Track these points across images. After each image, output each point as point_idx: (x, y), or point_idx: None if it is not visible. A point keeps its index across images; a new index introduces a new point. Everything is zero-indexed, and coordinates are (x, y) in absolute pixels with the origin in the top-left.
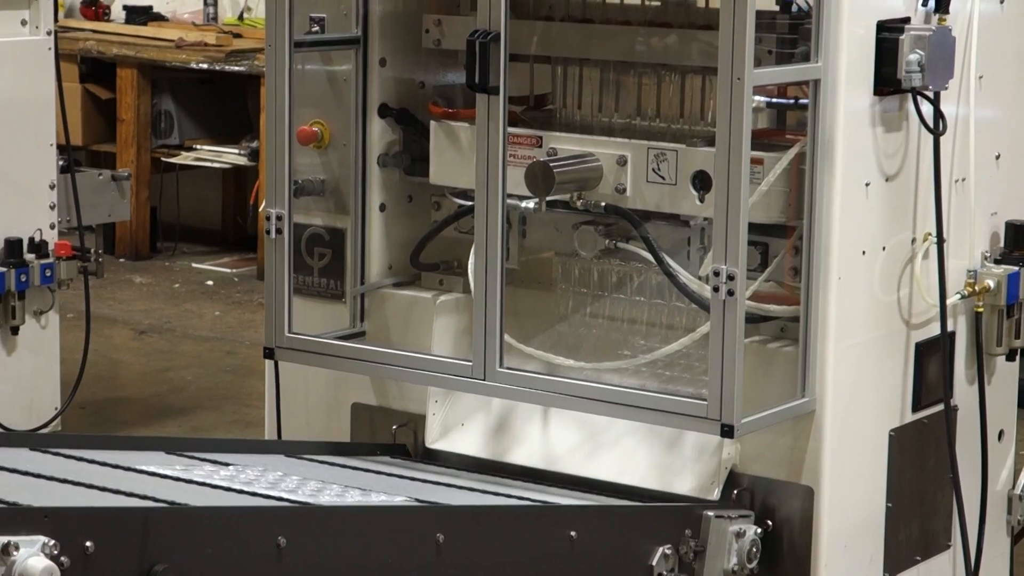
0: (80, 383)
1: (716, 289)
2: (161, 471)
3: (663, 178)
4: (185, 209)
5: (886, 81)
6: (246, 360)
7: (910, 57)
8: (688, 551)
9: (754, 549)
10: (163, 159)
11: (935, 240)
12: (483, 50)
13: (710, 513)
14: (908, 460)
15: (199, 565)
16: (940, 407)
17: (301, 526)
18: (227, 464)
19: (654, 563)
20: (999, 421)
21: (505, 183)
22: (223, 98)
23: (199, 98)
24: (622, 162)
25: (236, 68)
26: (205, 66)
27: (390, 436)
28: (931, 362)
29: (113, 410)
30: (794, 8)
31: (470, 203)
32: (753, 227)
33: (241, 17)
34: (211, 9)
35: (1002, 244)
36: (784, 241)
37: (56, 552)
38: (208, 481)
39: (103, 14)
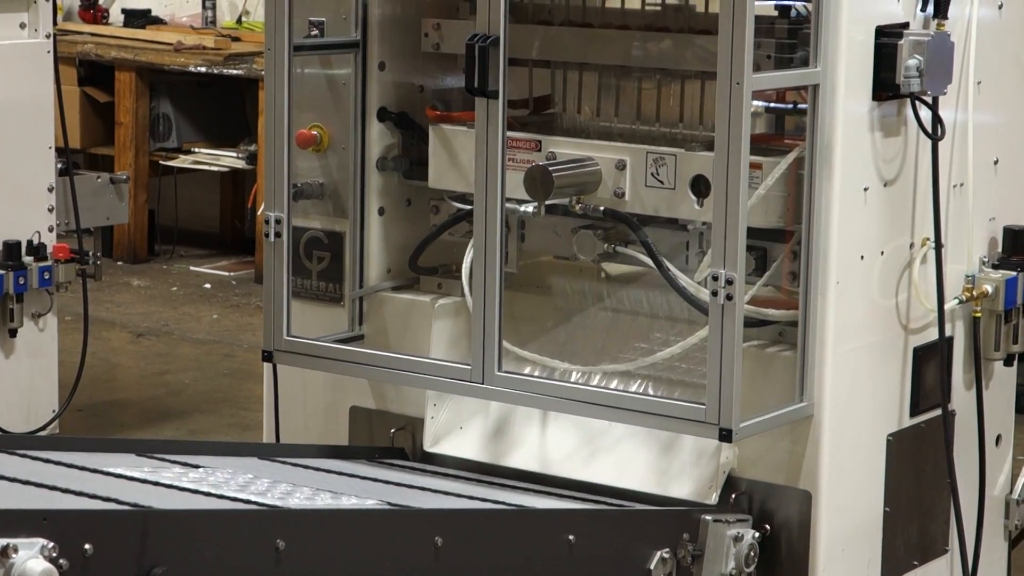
0: (78, 386)
1: (715, 293)
2: (128, 473)
3: (662, 182)
4: (183, 212)
5: (885, 86)
6: (244, 363)
7: (909, 62)
8: (686, 555)
9: (752, 553)
10: (161, 162)
11: (933, 245)
12: (482, 54)
13: (708, 517)
14: (906, 465)
15: (198, 568)
16: (938, 412)
17: (300, 529)
18: (197, 466)
19: (652, 567)
20: (997, 426)
21: (504, 187)
22: (221, 101)
23: (197, 101)
24: (621, 166)
25: (234, 71)
26: (203, 69)
27: (388, 439)
28: (929, 367)
29: (111, 413)
30: (793, 13)
31: (469, 207)
32: (752, 231)
33: (239, 20)
34: (209, 13)
35: (1000, 249)
36: (783, 246)
37: (55, 555)
38: (176, 483)
39: (101, 17)
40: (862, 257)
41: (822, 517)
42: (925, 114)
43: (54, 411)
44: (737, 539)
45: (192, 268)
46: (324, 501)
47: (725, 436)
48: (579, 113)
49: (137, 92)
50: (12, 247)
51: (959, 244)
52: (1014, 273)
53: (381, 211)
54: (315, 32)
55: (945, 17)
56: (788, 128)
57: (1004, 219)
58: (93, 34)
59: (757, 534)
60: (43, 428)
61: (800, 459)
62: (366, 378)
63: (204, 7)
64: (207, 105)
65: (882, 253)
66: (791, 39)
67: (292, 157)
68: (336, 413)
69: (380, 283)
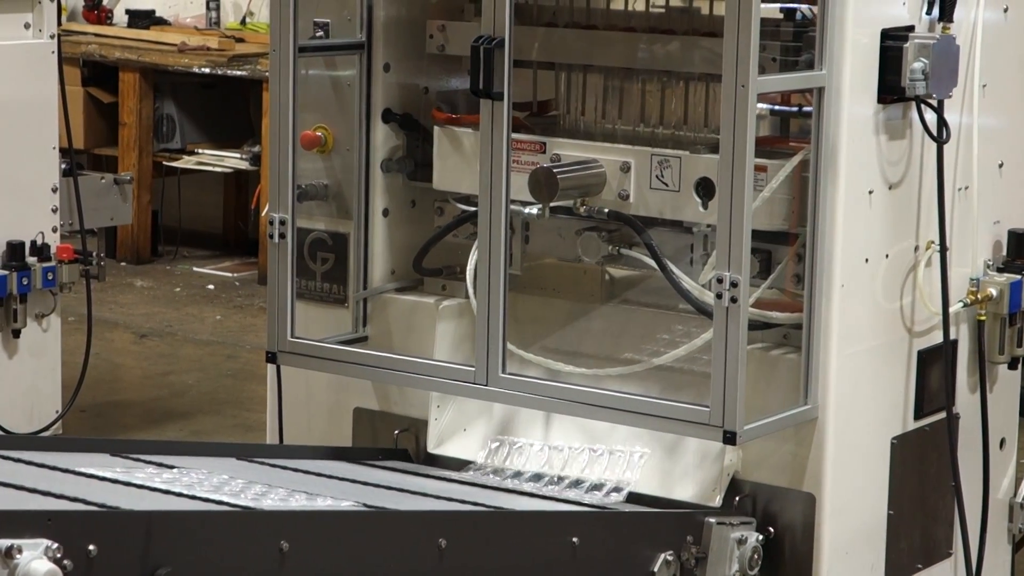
0: (81, 386)
1: (719, 296)
2: (100, 473)
3: (666, 185)
4: (187, 213)
5: (890, 89)
6: (247, 364)
7: (914, 65)
8: (690, 558)
9: (756, 556)
10: (165, 163)
11: (938, 248)
12: (487, 56)
13: (712, 520)
14: (910, 468)
15: (201, 569)
16: (942, 415)
17: (304, 530)
18: (172, 467)
19: (656, 569)
20: (1001, 429)
21: (509, 189)
22: (225, 102)
23: (201, 102)
24: (626, 168)
25: (238, 72)
26: (207, 70)
27: (392, 441)
28: (933, 370)
29: (114, 413)
30: (798, 16)
31: (473, 209)
32: (756, 234)
33: (243, 22)
34: (213, 13)
35: (1005, 252)
36: (787, 248)
37: (59, 555)
38: (147, 483)
39: (106, 18)
40: (867, 260)
41: (826, 520)
42: (930, 117)
43: (57, 412)
44: (741, 542)
45: (195, 269)
46: (299, 502)
47: (729, 439)
48: (584, 115)
49: (141, 93)
50: (16, 247)
51: (964, 247)
52: (1019, 276)
53: (385, 212)
54: (320, 33)
55: (950, 20)
56: (793, 131)
57: (1009, 222)
58: (97, 35)
59: (761, 537)
60: (46, 429)
61: (804, 462)
62: (370, 379)
63: (208, 8)
64: (211, 106)
65: (887, 256)
66: (796, 42)
67: (296, 158)
68: (340, 414)
69: (384, 284)
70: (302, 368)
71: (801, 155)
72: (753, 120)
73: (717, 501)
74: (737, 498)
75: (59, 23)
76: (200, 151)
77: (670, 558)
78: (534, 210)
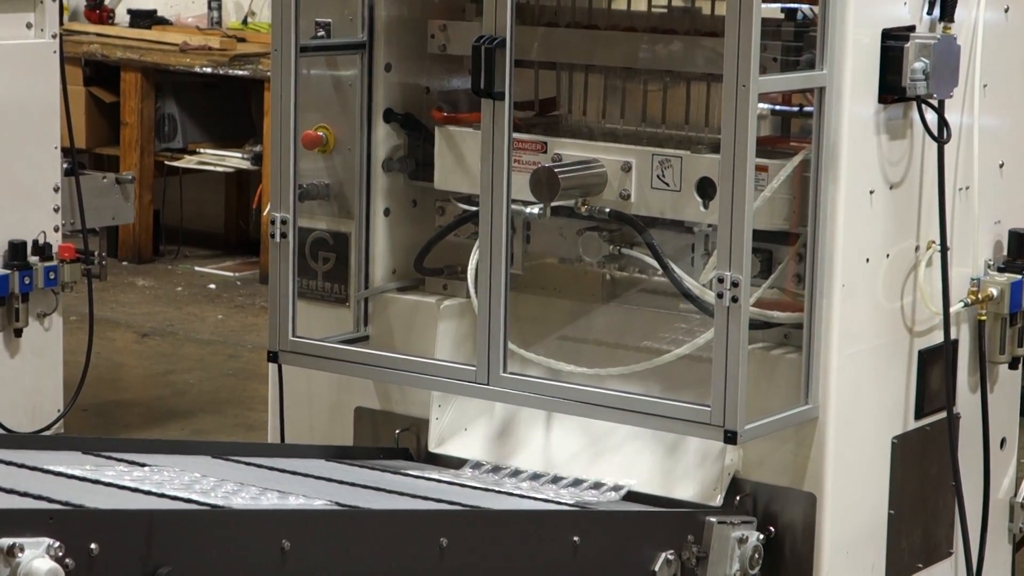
0: (83, 386)
1: (720, 295)
2: (68, 471)
3: (667, 184)
4: (188, 212)
5: (891, 89)
6: (248, 363)
7: (915, 65)
8: (691, 557)
9: (756, 555)
10: (166, 162)
11: (939, 248)
12: (488, 56)
13: (713, 519)
14: (910, 467)
15: (203, 568)
16: (943, 415)
17: (305, 529)
18: (143, 465)
19: (656, 569)
20: (1001, 429)
21: (510, 188)
22: (227, 102)
23: (203, 102)
24: (627, 168)
25: (240, 72)
26: (209, 70)
27: (393, 440)
28: (934, 370)
29: (115, 413)
30: (799, 16)
31: (474, 208)
32: (757, 234)
33: (245, 21)
34: (215, 13)
35: (1005, 252)
36: (788, 248)
37: (61, 554)
38: (116, 482)
39: (107, 18)
40: (867, 260)
41: (827, 519)
42: (931, 117)
43: (59, 411)
44: (741, 541)
45: (197, 268)
46: (270, 500)
47: (730, 438)
48: (585, 115)
49: (143, 92)
50: (18, 247)
51: (964, 247)
52: (1019, 276)
53: (387, 212)
54: (321, 33)
55: (951, 20)
56: (794, 131)
57: (1010, 222)
58: (99, 34)
59: (761, 536)
60: (48, 428)
61: (805, 461)
62: (371, 379)
63: (210, 8)
64: (212, 106)
65: (887, 256)
66: (797, 42)
67: (298, 158)
68: (341, 414)
69: (385, 284)
70: (303, 367)
71: (802, 155)
72: (754, 120)
73: (718, 500)
74: (738, 497)
75: (61, 23)
76: (202, 151)
77: (671, 557)
78: (535, 210)
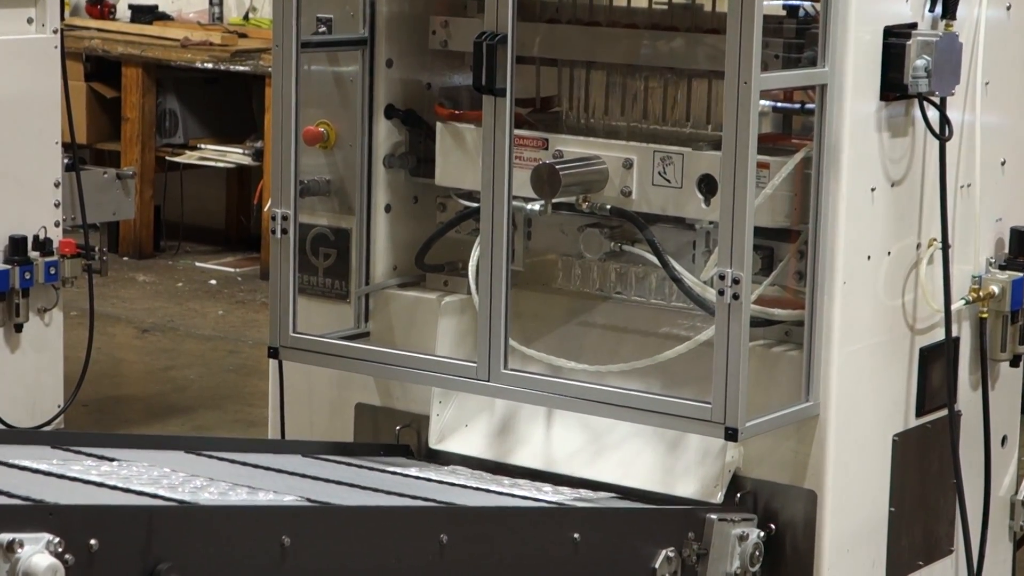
0: (83, 381)
1: (721, 292)
2: (34, 465)
3: (669, 181)
4: (189, 208)
5: (892, 86)
6: (249, 359)
7: (917, 63)
8: (691, 554)
9: (757, 552)
10: (167, 158)
11: (940, 245)
12: (490, 52)
13: (713, 516)
14: (911, 465)
15: (203, 563)
16: (944, 412)
17: (305, 525)
18: (112, 459)
19: (657, 565)
20: (1002, 427)
21: (511, 185)
22: (228, 98)
23: (204, 97)
24: (628, 165)
25: (241, 68)
26: (210, 65)
27: (394, 436)
28: (935, 367)
29: (116, 408)
30: (801, 13)
31: (475, 205)
32: (758, 231)
33: (246, 17)
34: (216, 9)
35: (1007, 250)
36: (789, 245)
37: (61, 550)
38: (82, 476)
39: (109, 13)
40: (869, 257)
41: (827, 517)
42: (933, 114)
43: (59, 406)
44: (742, 538)
45: (198, 264)
46: (239, 496)
47: (731, 435)
48: (586, 112)
49: (144, 88)
50: (18, 242)
51: (966, 245)
52: (1021, 274)
53: (388, 208)
54: (323, 29)
55: (953, 18)
56: (795, 128)
57: (1011, 220)
58: (100, 30)
59: (762, 533)
60: (48, 423)
61: (805, 459)
62: (372, 375)
63: (211, 3)
64: (214, 101)
65: (889, 253)
66: (799, 39)
67: (299, 154)
68: (341, 410)
69: (386, 280)
70: (304, 363)
71: (803, 152)
72: (755, 117)
73: (719, 498)
74: (738, 495)
75: (62, 18)
76: (203, 146)
77: (671, 554)
78: (536, 206)
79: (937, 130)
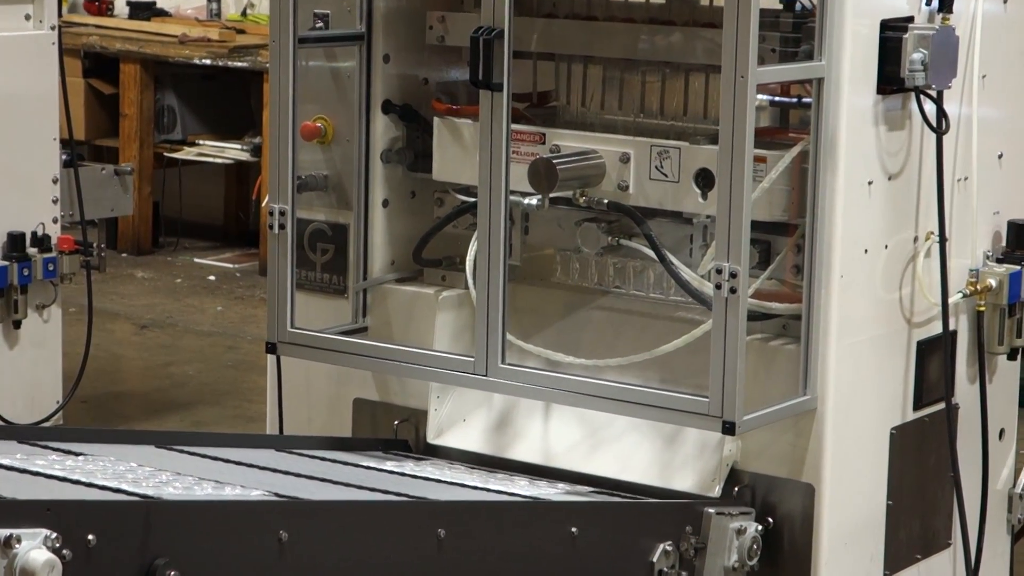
0: (82, 377)
1: (718, 286)
2: None
3: (666, 175)
4: (187, 204)
5: (889, 80)
6: (248, 355)
7: (913, 56)
8: (689, 548)
9: (755, 546)
10: (166, 154)
11: (937, 239)
12: (487, 47)
13: (711, 510)
14: (909, 458)
15: (201, 559)
16: (941, 406)
17: (303, 521)
18: (78, 454)
19: (655, 559)
20: (1000, 420)
21: (508, 180)
22: (226, 94)
23: (202, 93)
24: (625, 159)
25: (239, 64)
26: (208, 62)
27: (392, 431)
28: (932, 361)
29: (114, 404)
30: (798, 6)
31: (473, 199)
32: (755, 225)
33: (244, 13)
34: (214, 5)
35: (1004, 243)
36: (786, 239)
37: (58, 545)
38: (44, 471)
39: (106, 9)
40: (866, 251)
41: (825, 510)
42: (929, 108)
43: (58, 402)
44: (740, 532)
45: (196, 260)
46: (204, 491)
47: (728, 429)
48: (583, 106)
49: (142, 84)
50: (17, 238)
51: (963, 238)
52: (1018, 267)
53: (385, 203)
54: (320, 24)
55: (950, 11)
56: (792, 122)
57: (1008, 213)
58: (98, 26)
59: (760, 527)
60: (47, 419)
61: (803, 452)
62: (370, 370)
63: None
64: (212, 97)
65: (886, 247)
66: (796, 32)
67: (296, 149)
68: (340, 405)
69: (384, 275)
70: (302, 359)
71: (800, 146)
72: (752, 111)
73: (716, 491)
74: (736, 488)
75: (60, 14)
76: (201, 142)
77: (669, 548)
78: (534, 201)
79: (934, 123)
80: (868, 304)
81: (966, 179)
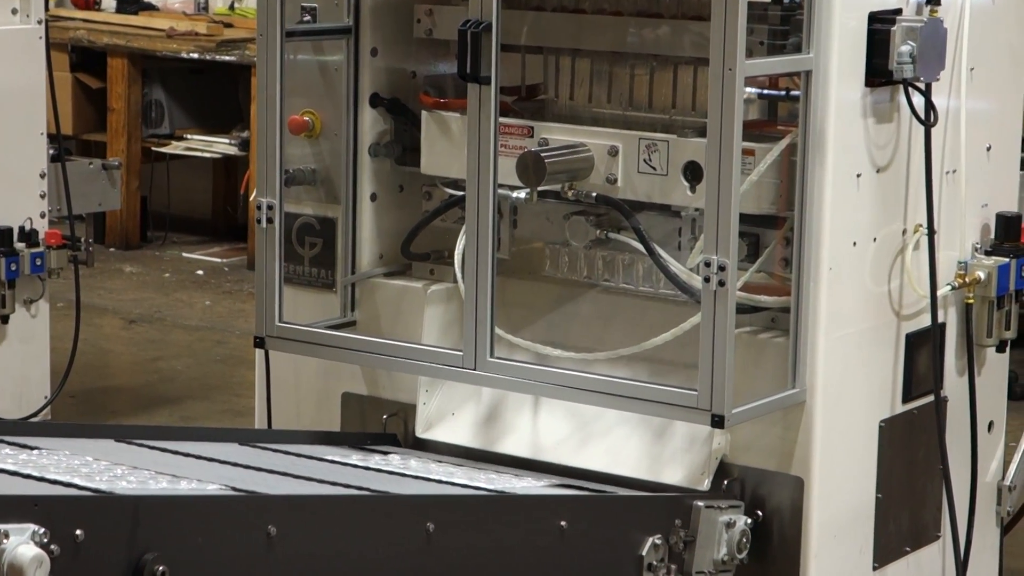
0: (70, 372)
1: (707, 280)
2: None
3: (654, 168)
4: (175, 199)
5: (877, 72)
6: (236, 350)
7: (902, 48)
8: (678, 541)
9: (744, 539)
10: (154, 148)
11: (926, 231)
12: (475, 40)
13: (700, 503)
14: (898, 451)
15: (189, 553)
16: (930, 398)
17: (291, 515)
18: (33, 448)
19: (644, 553)
20: (989, 412)
21: (496, 173)
22: (214, 88)
23: (190, 88)
24: (613, 152)
25: (227, 58)
26: (196, 56)
27: (380, 425)
28: (921, 353)
29: (103, 399)
30: None
31: (461, 193)
32: (744, 218)
33: (232, 7)
34: None
35: (992, 236)
36: (775, 232)
37: (46, 540)
38: None
39: (94, 3)
40: (854, 243)
41: (814, 503)
42: (918, 100)
43: (46, 397)
44: (729, 525)
45: (184, 255)
46: (158, 484)
47: (717, 422)
48: (571, 99)
49: (129, 78)
50: (4, 233)
51: (952, 230)
52: (1007, 259)
53: (373, 197)
54: (307, 18)
55: (938, 3)
56: (781, 114)
57: (997, 205)
58: (85, 20)
59: (749, 520)
60: (35, 415)
61: (792, 445)
62: (358, 364)
63: None
64: (200, 91)
65: (875, 239)
66: (784, 25)
67: (284, 143)
68: (328, 399)
69: (372, 269)
70: (290, 353)
71: (789, 139)
72: (740, 104)
73: (705, 485)
74: (725, 482)
75: (47, 8)
76: (189, 136)
77: (658, 541)
78: (522, 194)
79: (922, 116)
80: (857, 297)
81: (954, 172)
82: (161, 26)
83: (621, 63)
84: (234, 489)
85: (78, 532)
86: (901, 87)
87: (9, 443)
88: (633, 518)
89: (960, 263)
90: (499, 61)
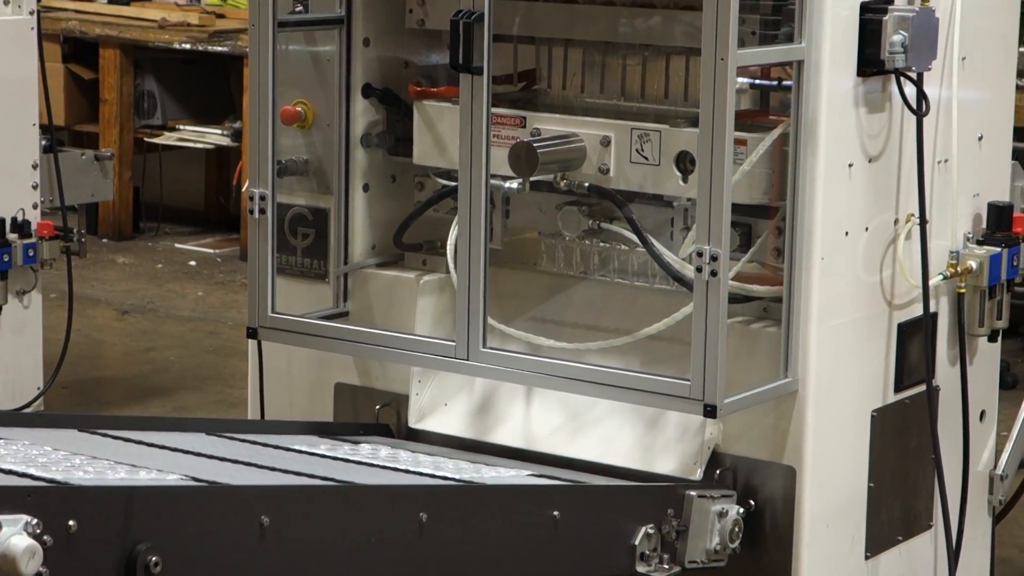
0: (63, 363)
1: (699, 269)
2: None
3: (647, 158)
4: (168, 189)
5: (869, 62)
6: (229, 340)
7: (893, 38)
8: (671, 530)
9: (736, 529)
10: (146, 139)
11: (918, 221)
12: (467, 30)
13: (692, 493)
14: (890, 440)
15: (182, 544)
16: (922, 388)
17: (284, 505)
18: None
19: (637, 542)
20: (981, 401)
21: (489, 163)
22: (206, 78)
23: (182, 78)
24: (606, 142)
25: (219, 48)
26: (188, 46)
27: (373, 416)
28: (913, 343)
29: (96, 390)
30: None
31: (454, 183)
32: (736, 208)
33: None
34: None
35: (984, 225)
36: (767, 222)
37: (39, 531)
38: None
39: None
40: (847, 233)
41: (806, 493)
42: (910, 90)
43: (39, 388)
44: (722, 515)
45: (177, 245)
46: (117, 475)
47: (710, 412)
48: (564, 89)
49: (122, 69)
50: None
51: (943, 220)
52: (998, 249)
53: (366, 187)
54: (299, 8)
55: None
56: (773, 104)
57: (988, 195)
58: (77, 11)
59: (741, 510)
60: (28, 405)
61: (784, 435)
62: (351, 354)
63: None
64: (192, 82)
65: (867, 229)
66: (776, 15)
67: (276, 134)
68: (321, 390)
69: (365, 260)
70: (283, 343)
71: (781, 128)
72: (732, 93)
73: (698, 474)
74: (718, 471)
75: None
76: (181, 127)
77: (651, 531)
78: (514, 184)
79: (914, 105)
80: (849, 286)
81: (946, 161)
82: (153, 17)
83: (613, 53)
84: (194, 479)
85: (71, 523)
86: (893, 77)
87: None
88: (626, 508)
89: (952, 253)
90: (491, 51)
